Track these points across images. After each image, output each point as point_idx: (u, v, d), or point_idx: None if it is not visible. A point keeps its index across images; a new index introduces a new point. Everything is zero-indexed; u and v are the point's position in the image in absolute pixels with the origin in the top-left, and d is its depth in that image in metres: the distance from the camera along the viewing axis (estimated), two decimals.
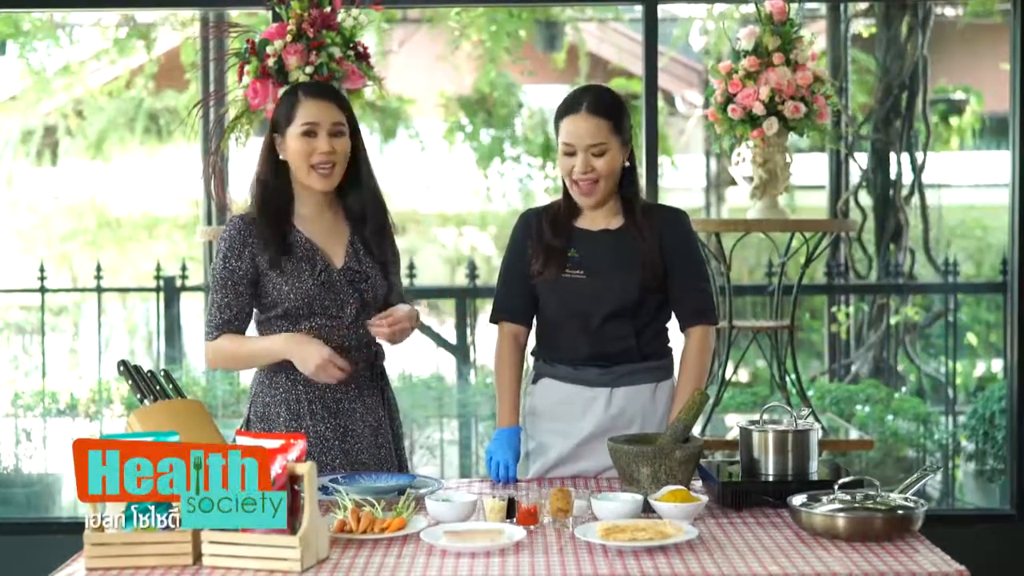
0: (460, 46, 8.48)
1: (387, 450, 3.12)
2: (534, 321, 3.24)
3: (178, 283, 6.06)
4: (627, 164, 3.14)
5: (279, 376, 3.06)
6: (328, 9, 3.85)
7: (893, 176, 6.75)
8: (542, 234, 3.16)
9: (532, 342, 3.28)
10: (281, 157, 3.04)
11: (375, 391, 3.12)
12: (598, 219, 3.17)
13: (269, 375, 3.09)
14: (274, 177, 3.04)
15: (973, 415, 5.77)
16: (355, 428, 3.07)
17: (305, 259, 3.01)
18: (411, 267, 5.50)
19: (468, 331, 6.11)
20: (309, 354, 2.93)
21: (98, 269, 5.67)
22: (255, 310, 3.09)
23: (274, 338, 3.01)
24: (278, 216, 3.03)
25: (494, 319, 3.25)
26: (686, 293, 3.15)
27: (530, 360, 3.31)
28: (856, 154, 6.85)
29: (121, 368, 2.85)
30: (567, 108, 3.12)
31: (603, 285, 3.10)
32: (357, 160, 3.08)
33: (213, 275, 3.05)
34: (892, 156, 6.76)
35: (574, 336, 3.14)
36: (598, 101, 3.09)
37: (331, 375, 2.94)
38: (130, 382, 2.84)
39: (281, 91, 3.22)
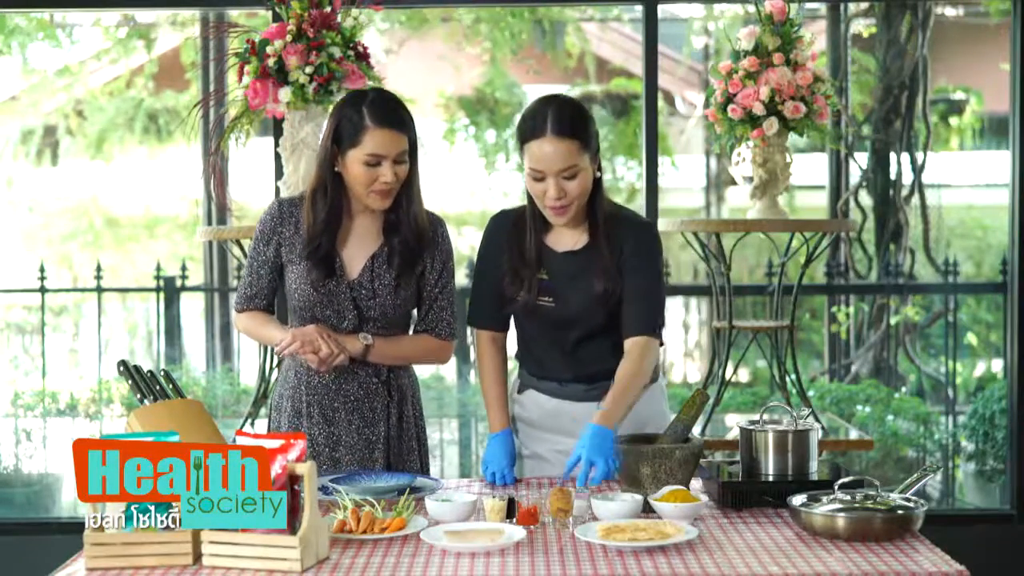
0: (461, 46, 8.49)
1: (380, 467, 3.08)
2: (515, 330, 3.17)
3: (178, 283, 6.06)
4: (597, 175, 2.99)
5: (290, 372, 3.11)
6: (328, 9, 3.85)
7: (893, 176, 6.75)
8: (514, 252, 3.04)
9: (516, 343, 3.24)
10: (336, 169, 2.97)
11: (379, 406, 3.08)
12: (565, 237, 3.05)
13: (286, 370, 3.14)
14: (335, 191, 2.98)
15: (973, 415, 5.77)
16: (348, 440, 3.06)
17: (327, 273, 3.01)
18: None
19: (468, 331, 6.12)
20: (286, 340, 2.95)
21: (98, 269, 5.68)
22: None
23: (279, 330, 3.04)
24: (333, 230, 3.00)
25: (471, 323, 3.19)
26: (631, 304, 3.00)
27: (513, 363, 3.28)
28: (856, 154, 6.85)
29: (121, 368, 2.85)
30: (530, 131, 2.91)
31: (570, 312, 3.03)
32: (409, 177, 2.99)
33: (248, 249, 3.12)
34: (892, 156, 6.76)
35: (555, 358, 3.10)
36: (562, 120, 2.89)
37: (305, 355, 2.93)
38: (130, 382, 2.84)
39: (346, 95, 3.03)
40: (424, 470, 3.18)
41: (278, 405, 3.14)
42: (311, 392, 3.06)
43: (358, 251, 3.03)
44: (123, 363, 2.86)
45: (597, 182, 3.00)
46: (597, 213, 3.01)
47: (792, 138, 4.11)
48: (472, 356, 6.25)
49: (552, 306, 3.03)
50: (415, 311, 3.14)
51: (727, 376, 4.29)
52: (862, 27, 7.11)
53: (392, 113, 2.93)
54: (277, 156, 4.25)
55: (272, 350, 4.15)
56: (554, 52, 8.87)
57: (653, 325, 3.00)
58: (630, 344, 2.98)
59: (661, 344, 3.05)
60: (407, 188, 2.99)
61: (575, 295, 3.02)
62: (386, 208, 2.99)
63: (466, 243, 9.94)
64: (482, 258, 3.13)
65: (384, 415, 3.09)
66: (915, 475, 2.70)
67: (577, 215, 3.00)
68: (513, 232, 3.07)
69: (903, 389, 6.73)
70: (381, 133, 2.90)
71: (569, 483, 2.76)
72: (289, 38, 3.79)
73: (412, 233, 3.02)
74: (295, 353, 2.94)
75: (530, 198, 3.02)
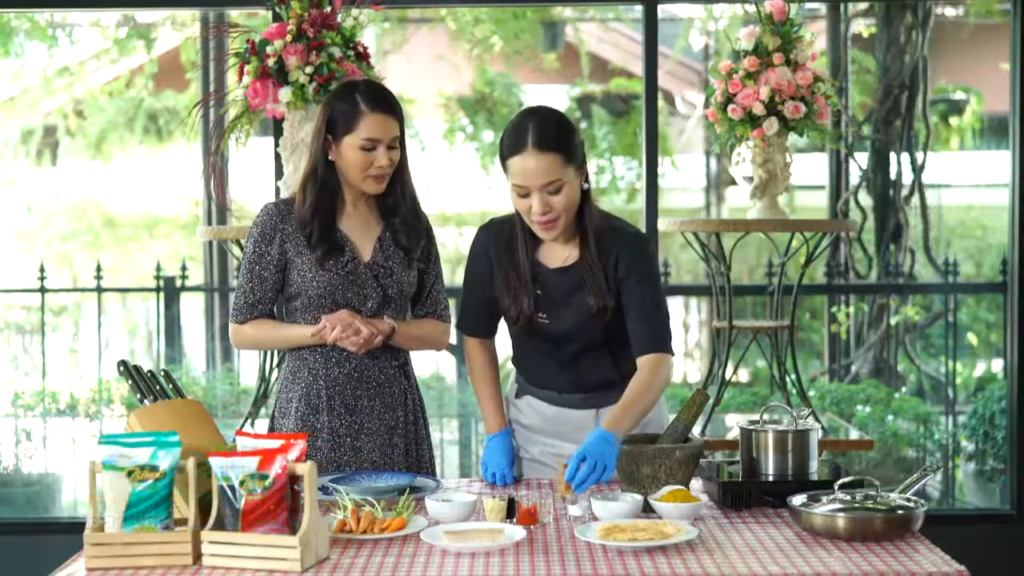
0: (461, 46, 8.49)
1: (399, 451, 3.12)
2: (510, 340, 3.17)
3: (178, 283, 6.06)
4: (585, 186, 2.95)
5: (302, 372, 3.10)
6: (328, 9, 3.85)
7: (893, 176, 6.75)
8: (507, 269, 3.02)
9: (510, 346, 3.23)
10: (330, 158, 3.03)
11: (397, 391, 3.13)
12: (555, 252, 3.02)
13: (293, 371, 3.13)
14: (327, 177, 3.04)
15: (973, 415, 5.76)
16: (370, 426, 3.09)
17: (335, 250, 3.04)
18: None
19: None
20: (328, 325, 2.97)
21: (98, 269, 5.67)
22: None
23: (299, 326, 3.06)
24: (331, 215, 3.04)
25: (460, 329, 3.20)
26: (637, 324, 2.95)
27: (509, 366, 3.27)
28: (856, 154, 6.85)
29: (121, 368, 2.85)
30: (512, 146, 2.88)
31: (565, 329, 3.01)
32: (400, 163, 3.07)
33: (243, 258, 3.11)
34: (892, 156, 6.76)
35: (552, 370, 3.09)
36: (543, 134, 2.85)
37: (346, 340, 2.96)
38: (130, 382, 2.84)
39: (335, 87, 3.13)
40: (432, 463, 3.21)
41: (284, 409, 3.13)
42: (331, 383, 3.07)
43: (364, 236, 3.09)
44: (123, 363, 2.86)
45: (585, 194, 2.96)
46: (586, 227, 2.97)
47: (792, 138, 4.11)
48: None
49: (547, 322, 3.02)
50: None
51: (727, 376, 4.29)
52: (862, 27, 7.11)
53: (384, 98, 3.03)
54: (277, 156, 4.25)
55: (273, 352, 4.15)
56: (554, 52, 8.87)
57: (663, 342, 2.95)
58: (642, 361, 2.93)
59: (673, 354, 2.99)
60: (400, 173, 3.08)
61: (569, 312, 3.00)
62: (381, 193, 3.06)
63: (466, 243, 9.95)
64: (471, 267, 3.13)
65: (402, 400, 3.14)
66: (915, 475, 2.70)
67: (566, 229, 2.97)
68: (505, 248, 3.04)
69: (903, 389, 6.73)
70: (375, 117, 2.98)
71: (567, 492, 2.72)
72: (289, 38, 3.79)
73: (411, 213, 3.11)
74: (337, 339, 2.96)
75: (519, 213, 2.99)
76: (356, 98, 2.99)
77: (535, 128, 2.86)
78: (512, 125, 2.92)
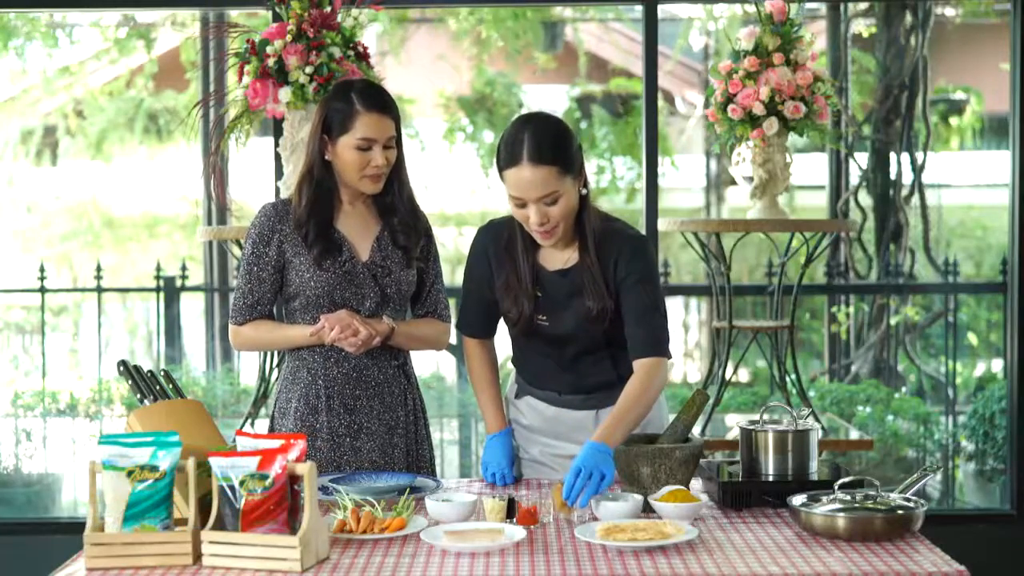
0: (461, 46, 8.49)
1: (400, 451, 3.12)
2: (510, 342, 3.17)
3: (178, 283, 6.06)
4: (584, 192, 2.93)
5: (301, 372, 3.10)
6: (328, 9, 3.85)
7: (893, 176, 6.76)
8: (507, 271, 3.02)
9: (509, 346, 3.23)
10: (327, 158, 3.03)
11: (397, 390, 3.13)
12: (555, 255, 3.02)
13: (292, 371, 3.13)
14: (323, 177, 3.04)
15: (973, 415, 5.77)
16: (370, 426, 3.09)
17: (333, 249, 3.04)
18: None
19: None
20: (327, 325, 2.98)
21: (98, 269, 5.67)
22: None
23: (298, 327, 3.06)
24: (327, 215, 3.05)
25: (459, 330, 3.20)
26: (633, 327, 2.94)
27: (509, 367, 3.27)
28: (856, 154, 6.85)
29: (121, 368, 2.85)
30: (508, 159, 2.85)
31: (564, 331, 3.01)
32: (397, 162, 3.08)
33: (241, 259, 3.11)
34: (892, 156, 6.76)
35: (552, 371, 3.09)
36: (540, 146, 2.81)
37: (344, 340, 2.96)
38: (130, 382, 2.84)
39: (332, 87, 3.15)
40: (432, 463, 3.20)
41: (283, 409, 3.14)
42: (330, 383, 3.07)
43: (362, 236, 3.09)
44: (123, 363, 2.86)
45: (584, 199, 2.95)
46: (585, 231, 2.96)
47: (792, 138, 4.11)
48: None
49: (547, 324, 3.03)
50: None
51: (727, 376, 4.29)
52: (862, 27, 7.11)
53: (380, 98, 3.03)
54: (277, 156, 4.25)
55: (273, 353, 4.15)
56: (553, 52, 8.87)
57: (659, 346, 2.93)
58: (637, 366, 2.92)
59: (670, 358, 2.98)
60: (397, 172, 3.08)
61: (569, 314, 3.00)
62: (378, 192, 3.07)
63: (466, 243, 9.94)
64: (470, 268, 3.12)
65: (401, 400, 3.14)
66: (915, 475, 2.70)
67: (565, 234, 2.96)
68: (504, 250, 3.04)
69: (903, 389, 6.73)
70: (370, 117, 2.98)
71: (563, 511, 2.71)
72: (289, 38, 3.79)
73: (408, 213, 3.11)
74: (335, 340, 2.96)
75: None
76: (352, 98, 3.00)
77: (531, 140, 2.83)
78: (508, 135, 2.88)
